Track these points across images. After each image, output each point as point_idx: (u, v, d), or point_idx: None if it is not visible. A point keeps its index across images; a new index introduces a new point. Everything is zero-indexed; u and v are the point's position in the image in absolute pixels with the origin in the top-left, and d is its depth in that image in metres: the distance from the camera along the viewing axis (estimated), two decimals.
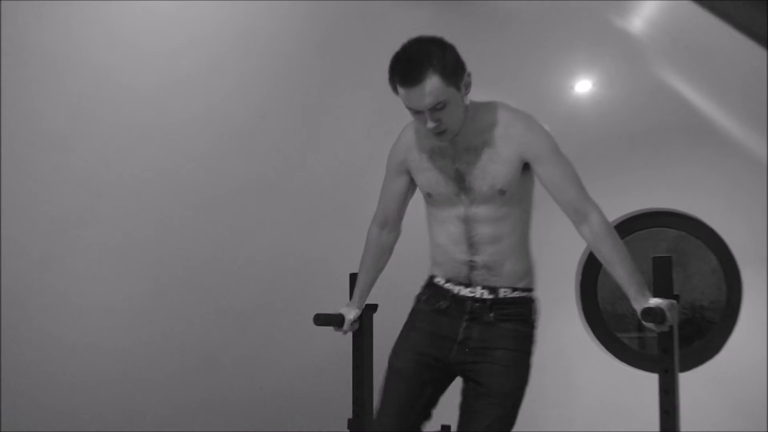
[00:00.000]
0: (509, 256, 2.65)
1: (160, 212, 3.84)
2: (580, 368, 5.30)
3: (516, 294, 2.67)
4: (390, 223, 2.89)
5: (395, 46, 2.44)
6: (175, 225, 3.94)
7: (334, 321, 2.96)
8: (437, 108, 2.45)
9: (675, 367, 2.75)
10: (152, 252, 3.94)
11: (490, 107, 2.61)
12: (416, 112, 2.49)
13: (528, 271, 2.70)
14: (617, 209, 5.19)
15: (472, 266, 2.65)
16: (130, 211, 3.73)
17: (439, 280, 2.73)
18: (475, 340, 2.64)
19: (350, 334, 3.08)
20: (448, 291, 2.70)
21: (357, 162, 4.44)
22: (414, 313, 2.79)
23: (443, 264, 2.72)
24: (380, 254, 2.94)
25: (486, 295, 2.65)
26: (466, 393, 2.67)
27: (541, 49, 4.28)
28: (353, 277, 3.07)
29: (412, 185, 2.80)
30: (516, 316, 2.67)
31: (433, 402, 2.72)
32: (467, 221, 2.63)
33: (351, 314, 2.97)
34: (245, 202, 4.15)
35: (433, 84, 2.40)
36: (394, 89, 2.48)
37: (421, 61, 2.40)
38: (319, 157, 4.31)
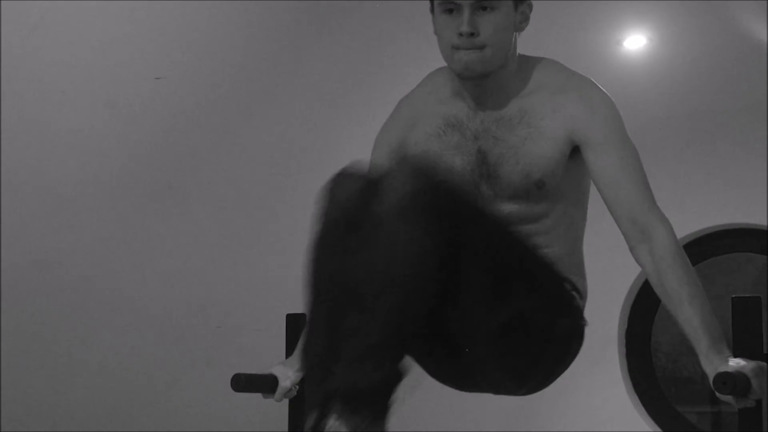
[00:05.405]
0: None
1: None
2: None
3: None
4: None
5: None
6: (44, 248, 4.01)
7: (262, 385, 2.90)
8: (483, 6, 2.55)
9: None
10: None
11: (537, 64, 2.70)
12: (449, 12, 2.58)
13: None
14: (683, 225, 5.19)
15: None
16: None
17: None
18: None
19: (286, 403, 3.02)
20: None
21: (293, 160, 4.52)
22: None
23: None
24: None
25: None
26: None
27: None
28: (292, 320, 3.05)
29: None
30: None
31: None
32: None
33: (288, 377, 2.91)
34: (140, 212, 4.22)
35: None
36: None
37: None
38: (244, 153, 4.39)
